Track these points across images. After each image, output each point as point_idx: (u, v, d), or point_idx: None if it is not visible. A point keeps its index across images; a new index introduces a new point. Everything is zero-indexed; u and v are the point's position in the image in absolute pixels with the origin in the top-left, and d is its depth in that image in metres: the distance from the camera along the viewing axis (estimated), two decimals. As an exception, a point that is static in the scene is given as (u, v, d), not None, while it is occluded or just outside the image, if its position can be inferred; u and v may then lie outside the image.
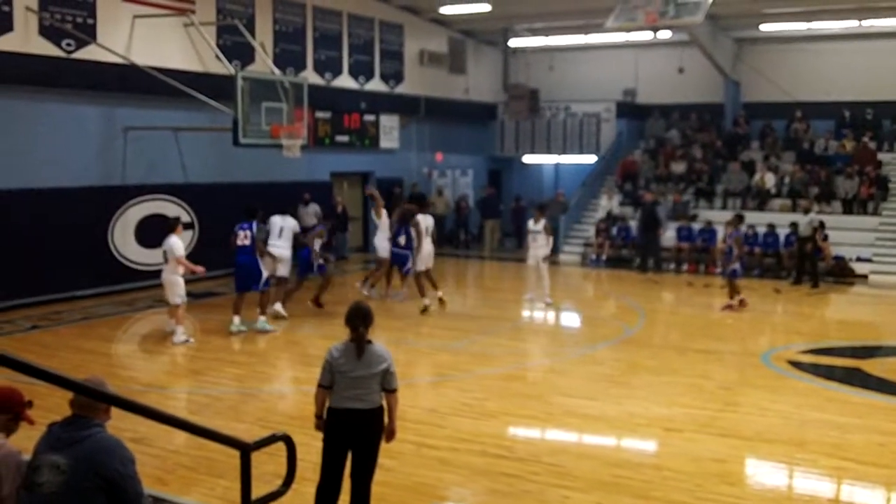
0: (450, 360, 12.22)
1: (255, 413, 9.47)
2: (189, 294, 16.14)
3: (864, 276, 20.09)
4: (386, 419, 6.13)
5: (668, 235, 22.35)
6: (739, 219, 16.90)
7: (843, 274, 20.28)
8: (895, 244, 21.08)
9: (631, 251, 22.94)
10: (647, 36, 25.33)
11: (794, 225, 20.43)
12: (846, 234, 21.20)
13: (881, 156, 24.07)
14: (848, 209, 22.35)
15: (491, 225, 26.58)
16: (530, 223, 16.77)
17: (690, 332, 14.58)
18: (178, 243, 13.03)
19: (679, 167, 25.57)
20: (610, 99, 28.02)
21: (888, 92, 25.00)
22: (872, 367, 11.89)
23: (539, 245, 16.34)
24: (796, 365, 11.82)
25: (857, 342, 13.72)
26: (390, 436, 6.15)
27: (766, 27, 25.82)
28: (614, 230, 23.51)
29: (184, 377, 11.38)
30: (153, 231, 17.50)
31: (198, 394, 10.38)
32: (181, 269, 12.98)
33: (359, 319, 5.98)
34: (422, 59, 25.66)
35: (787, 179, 23.75)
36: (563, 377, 11.46)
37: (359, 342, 5.98)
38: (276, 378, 11.52)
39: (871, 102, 25.44)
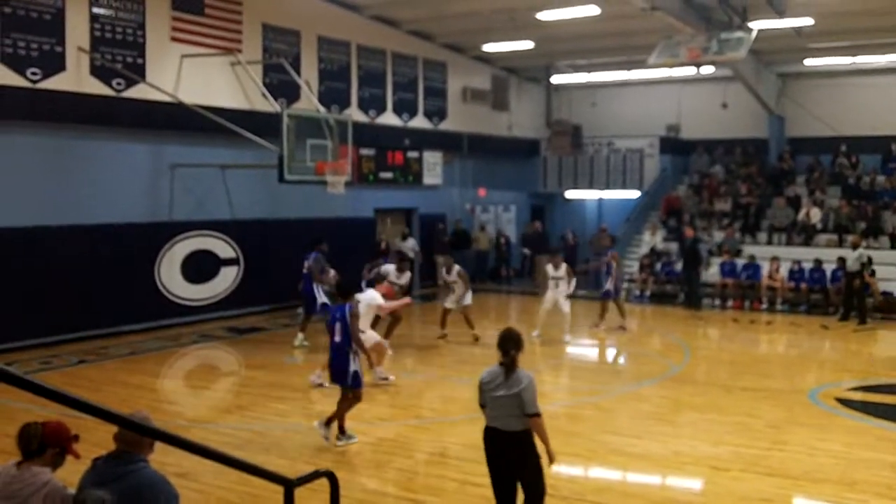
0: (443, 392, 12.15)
1: (299, 449, 9.47)
2: (234, 329, 16.32)
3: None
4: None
5: (712, 271, 22.10)
6: (613, 239, 17.62)
7: (891, 310, 19.84)
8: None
9: (675, 287, 22.68)
10: (690, 71, 25.28)
11: (841, 260, 20.08)
12: (894, 270, 20.79)
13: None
14: (894, 244, 21.93)
15: (537, 261, 26.43)
16: (549, 269, 16.65)
17: (736, 369, 14.33)
18: (376, 295, 12.70)
19: (723, 203, 25.33)
20: (653, 134, 27.94)
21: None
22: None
23: (561, 291, 16.38)
24: (845, 403, 11.56)
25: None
26: (550, 460, 6.27)
27: (811, 62, 25.66)
28: (658, 266, 23.30)
29: (229, 412, 11.43)
30: (199, 267, 17.75)
31: (243, 429, 10.42)
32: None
33: (510, 343, 6.26)
34: (465, 96, 25.84)
35: (832, 215, 23.39)
36: (607, 415, 11.32)
37: (507, 366, 6.24)
38: (321, 414, 11.50)
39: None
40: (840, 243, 22.21)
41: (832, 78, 26.47)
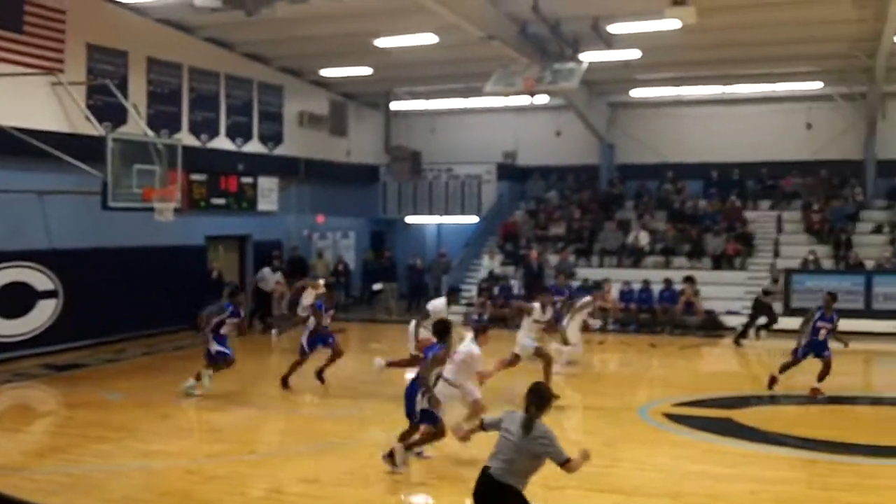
0: (332, 426, 11.92)
1: (121, 491, 8.96)
2: (51, 366, 15.34)
3: (734, 329, 20.77)
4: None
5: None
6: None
7: (713, 327, 20.96)
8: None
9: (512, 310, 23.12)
10: (525, 100, 25.98)
11: (667, 281, 21.05)
12: (716, 289, 22.02)
13: (747, 213, 25.18)
14: (717, 265, 23.21)
15: (387, 288, 26.38)
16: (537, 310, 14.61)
17: (571, 388, 14.66)
18: (475, 350, 10.37)
19: (558, 227, 26.11)
20: (491, 161, 28.49)
21: (752, 153, 26.33)
22: (744, 416, 12.21)
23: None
24: (672, 418, 12.02)
25: (728, 393, 14.08)
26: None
27: (637, 93, 26.88)
28: (496, 290, 23.70)
29: (43, 456, 10.67)
30: (13, 300, 16.71)
31: (59, 473, 9.76)
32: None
33: (532, 398, 6.32)
34: (302, 121, 25.56)
35: (659, 238, 24.55)
36: (449, 438, 11.28)
37: (527, 418, 6.26)
38: (147, 453, 10.95)
39: (736, 163, 26.68)
40: (666, 265, 23.33)
41: (658, 108, 27.84)
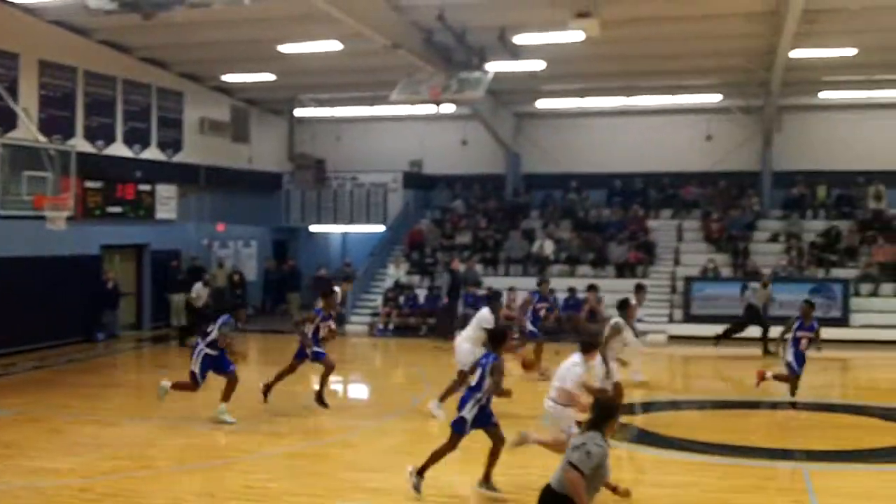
0: (233, 440, 11.76)
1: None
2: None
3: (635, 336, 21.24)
4: None
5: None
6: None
7: (618, 335, 21.40)
8: (662, 305, 22.71)
9: (419, 319, 23.21)
10: (431, 109, 26.15)
11: (571, 290, 21.47)
12: (619, 297, 22.43)
13: (649, 223, 25.88)
14: (620, 273, 23.77)
15: (291, 299, 26.11)
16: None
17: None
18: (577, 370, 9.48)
19: (464, 236, 26.36)
20: (397, 169, 28.56)
21: (654, 163, 27.07)
22: (646, 422, 12.53)
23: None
24: (576, 424, 12.23)
25: (631, 400, 14.40)
26: None
27: (542, 103, 27.35)
28: (402, 299, 23.76)
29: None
30: None
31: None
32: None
33: (594, 409, 6.51)
34: (203, 127, 25.18)
35: (564, 246, 25.02)
36: (351, 451, 11.30)
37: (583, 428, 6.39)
38: (36, 471, 10.60)
39: (639, 173, 27.40)
40: (571, 273, 23.80)
41: (564, 118, 28.39)
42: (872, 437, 12.02)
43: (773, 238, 25.10)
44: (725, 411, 13.78)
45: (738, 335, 20.43)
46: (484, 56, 20.64)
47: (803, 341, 13.44)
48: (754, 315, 20.58)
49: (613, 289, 22.76)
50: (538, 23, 18.72)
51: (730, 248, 24.45)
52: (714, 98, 26.14)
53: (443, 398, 12.68)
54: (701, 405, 14.31)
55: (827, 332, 15.82)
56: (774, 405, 14.41)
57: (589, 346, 9.60)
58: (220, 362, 12.54)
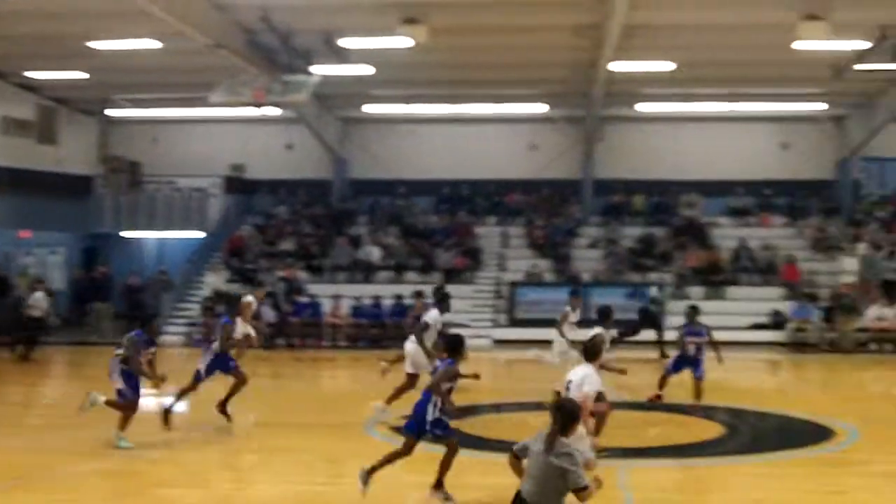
0: (33, 459, 11.11)
1: None
2: None
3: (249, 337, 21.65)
4: None
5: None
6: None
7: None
8: (487, 310, 23.23)
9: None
10: (255, 111, 25.73)
11: (398, 296, 21.62)
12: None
13: (476, 229, 26.41)
14: (447, 279, 24.12)
15: (100, 308, 24.91)
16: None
17: (298, 406, 14.64)
18: (592, 376, 8.99)
19: (287, 243, 26.04)
20: (217, 174, 27.92)
21: (480, 171, 27.67)
22: (468, 426, 12.69)
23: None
24: (399, 430, 12.29)
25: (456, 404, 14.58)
26: None
27: (370, 108, 27.43)
28: (221, 308, 23.17)
29: None
30: None
31: None
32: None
33: (556, 414, 6.23)
34: (5, 127, 23.80)
35: (391, 253, 25.16)
36: (167, 466, 10.90)
37: (550, 433, 6.15)
38: None
39: (466, 180, 27.91)
40: (398, 280, 23.97)
41: (392, 124, 28.58)
42: (685, 433, 12.63)
43: (594, 244, 26.15)
44: (535, 413, 14.17)
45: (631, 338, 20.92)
46: (310, 59, 20.52)
47: (691, 346, 13.50)
48: (649, 319, 21.33)
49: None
50: (366, 27, 18.81)
51: (553, 254, 25.27)
52: (539, 108, 26.99)
53: (390, 400, 13.01)
54: (524, 407, 14.64)
55: (642, 334, 16.72)
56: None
57: (595, 353, 9.30)
58: (223, 363, 12.37)
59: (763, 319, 23.20)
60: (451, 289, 23.53)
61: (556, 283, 24.16)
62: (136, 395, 11.26)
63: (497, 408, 14.48)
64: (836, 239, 26.01)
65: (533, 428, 12.71)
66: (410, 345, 13.50)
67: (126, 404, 11.17)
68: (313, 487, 9.61)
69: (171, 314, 23.82)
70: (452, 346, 9.28)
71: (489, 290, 24.23)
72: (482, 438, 11.94)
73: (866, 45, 19.43)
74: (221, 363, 12.60)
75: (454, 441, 9.01)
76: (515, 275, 24.54)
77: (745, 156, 27.74)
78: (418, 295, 21.22)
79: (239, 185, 28.47)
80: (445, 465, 8.97)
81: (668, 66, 21.40)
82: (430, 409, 8.86)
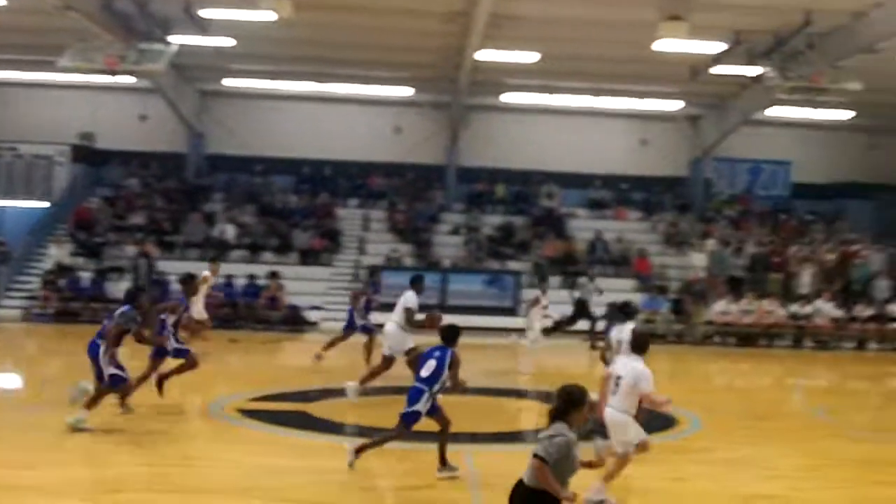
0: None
1: None
2: None
3: (317, 324, 21.71)
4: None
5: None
6: None
7: (296, 322, 21.72)
8: (345, 293, 23.16)
9: (83, 304, 21.97)
10: (107, 79, 24.75)
11: (251, 276, 21.39)
12: (302, 285, 22.77)
13: (337, 211, 26.31)
14: (304, 260, 23.98)
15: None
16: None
17: (143, 388, 14.26)
18: (645, 373, 8.80)
19: (138, 217, 25.27)
20: (64, 141, 26.79)
21: (344, 152, 27.56)
22: (318, 409, 12.73)
23: None
24: (247, 413, 12.19)
25: (306, 387, 14.58)
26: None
27: (230, 82, 26.86)
28: (64, 282, 22.35)
29: None
30: None
31: None
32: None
33: (560, 398, 6.23)
34: None
35: (247, 232, 24.79)
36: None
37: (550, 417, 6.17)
38: None
39: (328, 161, 27.73)
40: (253, 259, 23.68)
41: (252, 100, 28.06)
42: (533, 418, 13.02)
43: (455, 230, 26.48)
44: (400, 398, 14.28)
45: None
46: (168, 28, 19.99)
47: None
48: (583, 309, 21.58)
49: (297, 276, 22.98)
50: (228, -2, 18.41)
51: (414, 239, 25.46)
52: (405, 91, 27.05)
53: (364, 381, 13.32)
54: (379, 392, 14.74)
55: (498, 321, 17.07)
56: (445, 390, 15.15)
57: (643, 346, 9.22)
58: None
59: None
60: (307, 271, 23.69)
61: (416, 267, 24.33)
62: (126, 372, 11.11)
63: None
64: (687, 234, 27.20)
65: (386, 412, 12.89)
66: (391, 326, 13.63)
67: (126, 385, 11.16)
68: (157, 469, 9.44)
69: (8, 287, 22.76)
70: (452, 336, 9.75)
71: (348, 273, 24.19)
72: (330, 422, 11.99)
73: (722, 48, 20.34)
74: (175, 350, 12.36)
75: (448, 421, 9.61)
76: (375, 258, 24.59)
77: (604, 150, 28.63)
78: (273, 275, 21.06)
79: (88, 155, 27.39)
80: (443, 444, 9.55)
81: (532, 57, 21.82)
82: (424, 399, 9.41)
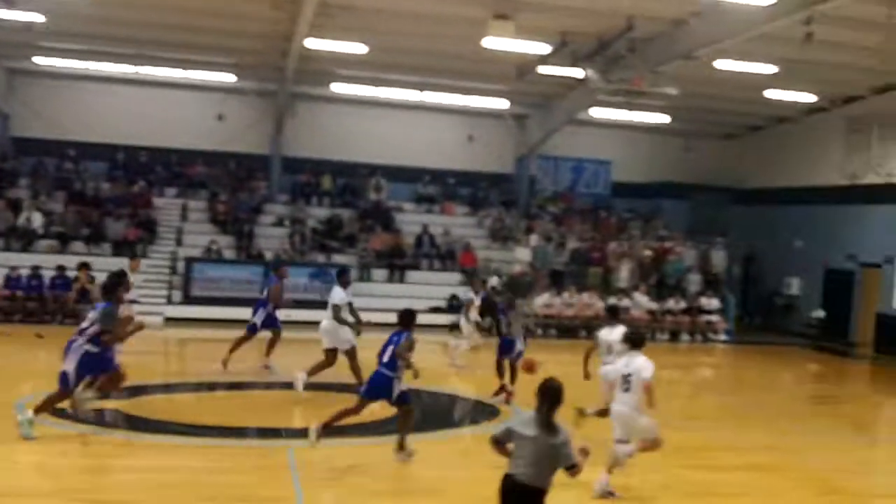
0: None
1: None
2: None
3: (131, 319, 20.93)
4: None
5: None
6: None
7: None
8: (161, 286, 22.53)
9: None
10: None
11: (60, 268, 20.44)
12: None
13: (154, 200, 25.44)
14: (118, 251, 23.10)
15: None
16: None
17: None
18: (649, 364, 9.76)
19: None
20: None
21: (162, 138, 26.68)
22: (134, 406, 12.33)
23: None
24: (55, 412, 11.68)
25: (125, 384, 14.07)
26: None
27: (40, 60, 25.45)
28: None
29: None
30: None
31: None
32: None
33: (546, 397, 6.57)
34: None
35: (55, 220, 23.63)
36: None
37: (544, 417, 6.53)
38: None
39: (145, 147, 26.77)
40: (62, 250, 22.59)
41: (64, 80, 26.64)
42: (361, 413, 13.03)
43: (279, 222, 26.14)
44: (219, 393, 14.03)
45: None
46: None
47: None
48: (490, 308, 21.25)
49: (110, 268, 22.08)
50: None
51: (235, 231, 24.96)
52: (228, 78, 26.43)
53: (311, 373, 13.55)
54: (196, 388, 14.42)
55: (323, 315, 16.78)
56: (269, 386, 15.01)
57: (641, 342, 10.25)
58: (101, 361, 10.48)
59: (441, 303, 24.38)
60: (121, 262, 22.73)
61: (237, 260, 23.90)
62: (80, 380, 10.66)
63: (168, 388, 14.16)
64: (511, 230, 27.91)
65: (201, 408, 12.62)
66: (326, 322, 13.83)
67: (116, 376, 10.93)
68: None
69: None
70: (408, 319, 10.52)
71: (164, 265, 23.44)
72: (147, 420, 11.64)
73: (548, 49, 20.94)
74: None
75: (412, 408, 10.45)
76: (193, 250, 23.94)
77: (433, 145, 28.97)
78: (83, 266, 20.11)
79: None
80: (404, 428, 10.40)
81: (361, 48, 21.78)
82: (395, 384, 10.17)
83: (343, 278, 14.19)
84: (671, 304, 25.51)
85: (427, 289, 24.74)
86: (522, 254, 26.39)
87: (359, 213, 27.08)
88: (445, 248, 26.60)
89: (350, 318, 13.90)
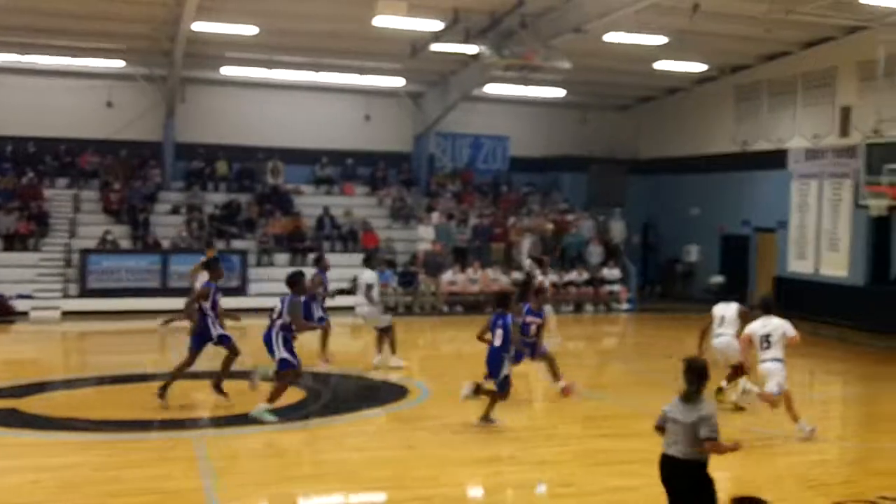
0: None
1: None
2: None
3: (26, 313, 20.46)
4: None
5: None
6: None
7: (3, 312, 20.37)
8: (55, 280, 21.94)
9: None
10: None
11: None
12: (7, 272, 21.36)
13: (44, 192, 24.65)
14: (9, 246, 22.35)
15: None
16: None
17: None
18: (786, 323, 11.20)
19: None
20: None
21: (50, 128, 25.82)
22: (30, 404, 11.98)
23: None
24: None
25: (16, 381, 13.67)
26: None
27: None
28: None
29: None
30: None
31: None
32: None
33: (693, 375, 6.79)
34: None
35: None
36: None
37: (686, 393, 6.78)
38: None
39: (33, 138, 25.87)
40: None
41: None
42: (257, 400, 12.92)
43: (175, 210, 25.62)
44: (122, 386, 13.73)
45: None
46: None
47: (532, 327, 13.03)
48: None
49: (1, 263, 21.52)
50: None
51: (130, 220, 24.39)
52: (117, 64, 25.70)
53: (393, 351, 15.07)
54: (97, 382, 14.09)
55: (226, 302, 16.54)
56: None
57: (772, 306, 11.39)
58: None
59: (344, 285, 24.23)
60: (12, 257, 22.06)
61: (133, 250, 23.36)
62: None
63: (67, 384, 13.78)
64: (412, 208, 27.92)
65: (103, 403, 12.35)
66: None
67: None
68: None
69: None
70: (296, 282, 11.35)
71: (58, 258, 22.74)
72: (44, 418, 11.33)
73: (441, 26, 20.95)
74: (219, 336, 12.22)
75: (291, 373, 11.36)
76: (88, 242, 23.28)
77: (329, 126, 28.67)
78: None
79: None
80: (279, 393, 11.24)
81: (251, 30, 21.42)
82: (277, 347, 11.15)
83: (296, 287, 12.32)
84: (574, 275, 25.91)
85: (330, 271, 24.52)
86: (425, 232, 26.44)
87: (257, 197, 26.72)
88: (347, 229, 26.46)
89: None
